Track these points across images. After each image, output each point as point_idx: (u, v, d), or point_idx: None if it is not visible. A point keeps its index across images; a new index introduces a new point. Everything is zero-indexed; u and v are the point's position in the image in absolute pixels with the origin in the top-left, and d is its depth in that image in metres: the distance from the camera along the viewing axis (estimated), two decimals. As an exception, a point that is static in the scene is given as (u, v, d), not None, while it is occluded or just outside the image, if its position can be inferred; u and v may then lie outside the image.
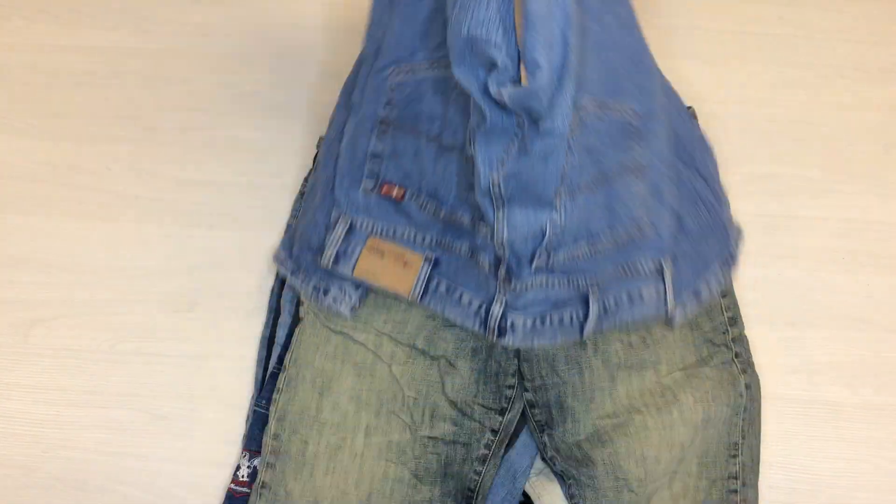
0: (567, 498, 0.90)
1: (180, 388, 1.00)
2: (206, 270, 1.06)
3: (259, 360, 1.00)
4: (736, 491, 0.91)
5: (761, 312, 1.05)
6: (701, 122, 1.11)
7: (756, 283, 1.06)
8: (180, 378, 1.01)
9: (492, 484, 0.92)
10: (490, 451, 0.91)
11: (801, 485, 0.98)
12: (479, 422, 0.91)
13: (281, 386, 0.90)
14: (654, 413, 0.88)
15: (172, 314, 1.04)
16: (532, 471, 0.95)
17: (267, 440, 0.88)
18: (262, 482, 0.87)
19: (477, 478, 0.90)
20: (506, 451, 0.93)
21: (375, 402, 0.90)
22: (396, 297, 0.91)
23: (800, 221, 1.10)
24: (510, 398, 0.92)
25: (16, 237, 1.08)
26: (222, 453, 0.98)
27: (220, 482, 0.97)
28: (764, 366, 1.01)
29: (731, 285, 0.96)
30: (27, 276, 1.06)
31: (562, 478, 0.91)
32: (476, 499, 0.90)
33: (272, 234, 1.07)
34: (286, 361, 0.90)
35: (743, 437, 0.92)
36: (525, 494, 0.94)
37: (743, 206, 1.10)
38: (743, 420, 0.92)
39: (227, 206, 1.09)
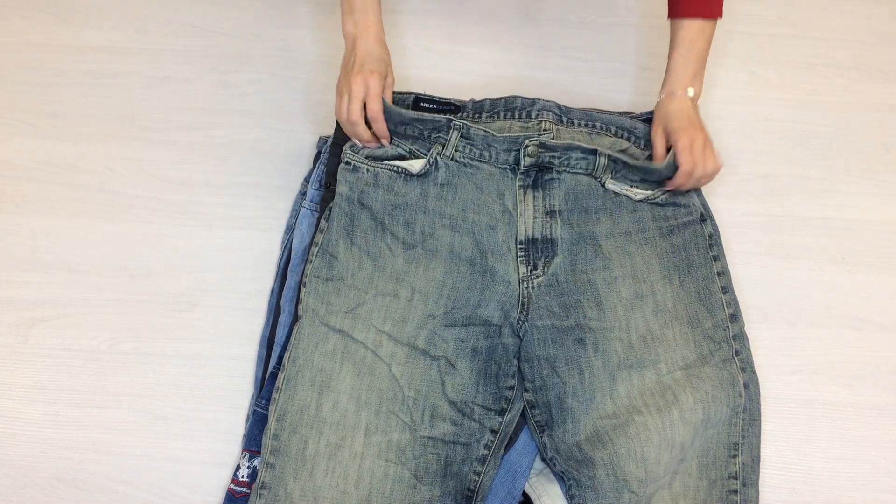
0: (567, 499, 0.90)
1: (180, 388, 1.00)
2: (206, 270, 1.06)
3: (259, 360, 1.00)
4: (736, 491, 0.91)
5: (761, 312, 1.05)
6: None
7: (756, 283, 1.06)
8: (180, 378, 1.01)
9: (492, 484, 0.92)
10: (490, 451, 0.91)
11: (801, 484, 0.98)
12: (479, 422, 0.91)
13: (280, 385, 0.89)
14: (655, 413, 0.88)
15: (172, 314, 1.04)
16: (532, 471, 0.95)
17: (266, 440, 0.88)
18: (262, 482, 0.87)
19: (477, 478, 0.90)
20: (506, 451, 0.93)
21: (375, 402, 0.89)
22: (395, 295, 0.92)
23: (800, 221, 1.10)
24: (510, 399, 0.92)
25: (16, 237, 1.08)
26: (222, 453, 0.98)
27: (220, 482, 0.97)
28: (764, 366, 1.01)
29: (730, 282, 0.96)
30: (27, 276, 1.06)
31: (562, 478, 0.91)
32: (476, 499, 0.90)
33: (272, 234, 1.07)
34: (285, 360, 0.90)
35: (743, 437, 0.92)
36: (525, 494, 0.94)
37: (743, 206, 1.10)
38: (743, 420, 0.92)
39: (228, 206, 1.09)
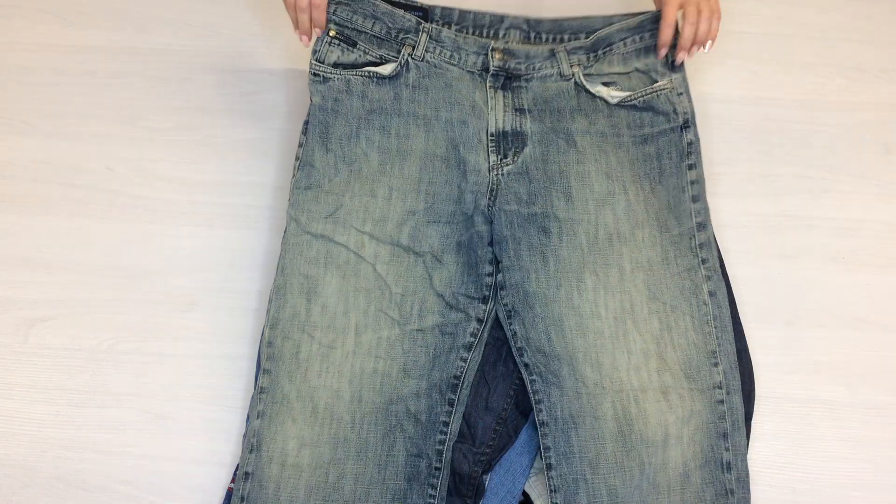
0: (531, 395, 0.92)
1: (180, 388, 1.01)
2: (206, 270, 1.06)
3: (259, 360, 1.00)
4: (722, 401, 0.90)
5: (761, 312, 1.05)
6: (701, 122, 1.12)
7: (756, 283, 1.06)
8: (180, 378, 1.01)
9: (490, 480, 0.92)
10: (476, 338, 0.94)
11: (801, 484, 0.98)
12: (465, 311, 0.94)
13: (271, 295, 0.93)
14: (612, 321, 0.91)
15: (172, 314, 1.04)
16: (532, 470, 0.95)
17: (262, 347, 0.92)
18: (261, 387, 0.90)
19: (463, 364, 0.93)
20: (505, 450, 0.93)
21: (363, 302, 0.92)
22: (373, 195, 0.94)
23: (800, 221, 1.10)
24: (490, 286, 0.94)
25: (16, 237, 1.08)
26: (222, 453, 0.98)
27: (220, 482, 0.97)
28: (764, 366, 1.01)
29: (703, 190, 0.96)
30: (27, 276, 1.06)
31: (527, 370, 0.93)
32: (462, 385, 0.92)
33: (272, 234, 1.07)
34: (276, 271, 0.94)
35: (719, 345, 0.91)
36: (525, 494, 0.94)
37: (743, 206, 1.10)
38: (715, 328, 0.92)
39: (228, 206, 1.09)
